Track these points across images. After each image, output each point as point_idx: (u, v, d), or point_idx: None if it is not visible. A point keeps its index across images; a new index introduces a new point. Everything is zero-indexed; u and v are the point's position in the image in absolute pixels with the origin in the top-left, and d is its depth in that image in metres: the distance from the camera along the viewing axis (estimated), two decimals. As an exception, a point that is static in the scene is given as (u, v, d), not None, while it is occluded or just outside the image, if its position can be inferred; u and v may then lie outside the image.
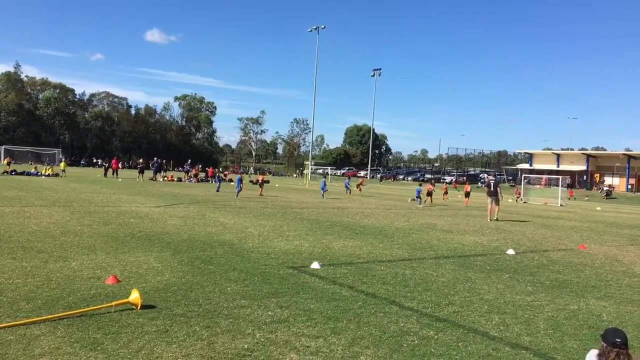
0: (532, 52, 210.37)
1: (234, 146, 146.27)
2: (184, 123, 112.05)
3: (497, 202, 22.78)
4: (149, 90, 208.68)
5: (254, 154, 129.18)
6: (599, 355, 4.07)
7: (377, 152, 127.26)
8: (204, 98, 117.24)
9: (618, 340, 3.98)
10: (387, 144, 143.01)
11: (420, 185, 34.01)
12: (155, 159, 49.48)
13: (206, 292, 7.34)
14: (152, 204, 20.74)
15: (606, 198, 58.59)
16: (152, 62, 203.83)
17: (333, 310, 6.76)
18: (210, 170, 53.14)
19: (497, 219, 22.21)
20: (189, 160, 54.87)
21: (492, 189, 22.94)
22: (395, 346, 5.59)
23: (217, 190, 32.01)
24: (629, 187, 71.04)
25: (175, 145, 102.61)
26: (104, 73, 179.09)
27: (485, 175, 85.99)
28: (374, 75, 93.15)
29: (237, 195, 27.82)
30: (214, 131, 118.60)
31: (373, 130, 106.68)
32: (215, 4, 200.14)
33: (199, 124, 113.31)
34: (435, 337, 5.97)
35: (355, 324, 6.27)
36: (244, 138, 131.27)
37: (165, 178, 46.01)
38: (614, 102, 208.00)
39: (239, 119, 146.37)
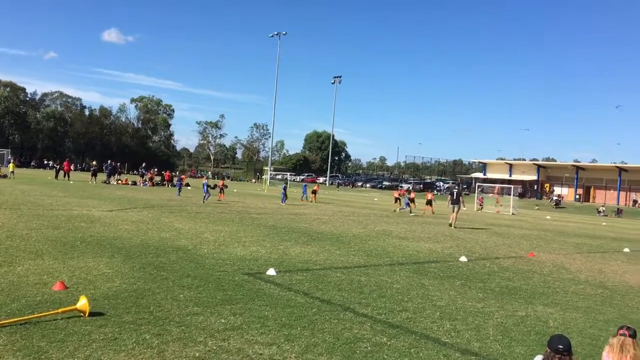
0: (487, 63, 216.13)
1: (192, 150, 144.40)
2: (140, 125, 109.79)
3: (458, 210, 23.88)
4: (104, 91, 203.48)
5: (212, 158, 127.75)
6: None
7: (336, 158, 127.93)
8: (161, 100, 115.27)
9: (560, 347, 4.11)
10: (346, 151, 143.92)
11: (410, 193, 35.01)
12: (109, 161, 48.27)
13: (158, 299, 7.19)
14: (105, 207, 20.21)
15: (555, 207, 60.66)
16: (108, 62, 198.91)
17: (287, 317, 6.73)
18: (167, 174, 52.24)
19: (454, 227, 23.03)
20: (144, 164, 53.66)
21: (454, 198, 24.08)
22: (348, 353, 5.61)
23: (178, 195, 31.44)
24: (577, 197, 73.75)
25: (131, 147, 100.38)
26: (58, 72, 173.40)
27: (441, 184, 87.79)
28: (334, 83, 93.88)
29: (204, 201, 27.22)
30: (171, 134, 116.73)
31: (333, 136, 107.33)
32: (175, 6, 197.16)
33: (155, 126, 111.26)
34: (388, 343, 6.03)
35: (309, 330, 6.27)
36: (202, 142, 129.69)
37: (119, 181, 44.93)
38: (563, 114, 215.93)
39: (197, 122, 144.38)
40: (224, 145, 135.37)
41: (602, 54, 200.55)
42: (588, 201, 72.44)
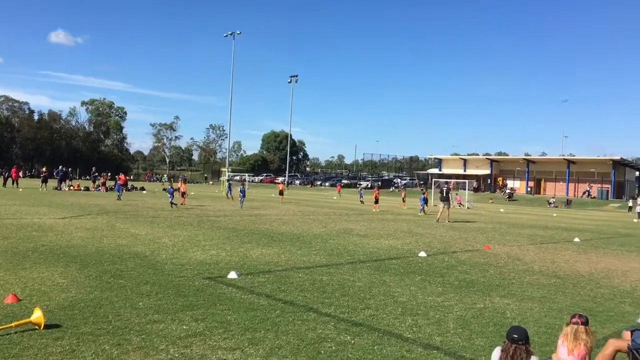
0: (439, 62, 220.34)
1: (146, 153, 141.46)
2: (91, 129, 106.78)
3: (449, 207, 25.71)
4: (52, 94, 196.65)
5: (167, 160, 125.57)
6: (502, 350, 4.32)
7: (294, 158, 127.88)
8: (113, 103, 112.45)
9: (515, 336, 4.26)
10: (304, 150, 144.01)
11: (424, 193, 34.23)
12: (60, 167, 46.75)
13: (116, 307, 7.02)
14: (57, 215, 19.57)
15: (508, 200, 62.40)
16: (56, 64, 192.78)
17: (251, 321, 6.69)
18: (122, 177, 51.02)
19: (448, 221, 24.72)
20: (94, 168, 52.08)
21: (444, 195, 26.01)
22: (313, 353, 5.62)
23: (119, 199, 30.67)
24: (529, 189, 76.07)
25: (82, 152, 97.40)
26: (3, 76, 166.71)
27: (399, 180, 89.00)
28: (290, 82, 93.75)
29: (172, 206, 26.13)
30: (124, 137, 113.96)
31: (290, 136, 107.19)
32: (125, 5, 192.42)
33: (108, 129, 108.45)
34: (352, 341, 6.07)
35: (273, 333, 6.25)
36: (157, 144, 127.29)
37: (71, 187, 43.57)
38: (514, 110, 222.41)
39: (151, 124, 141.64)
40: (180, 147, 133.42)
41: (548, 51, 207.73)
42: (539, 193, 74.85)
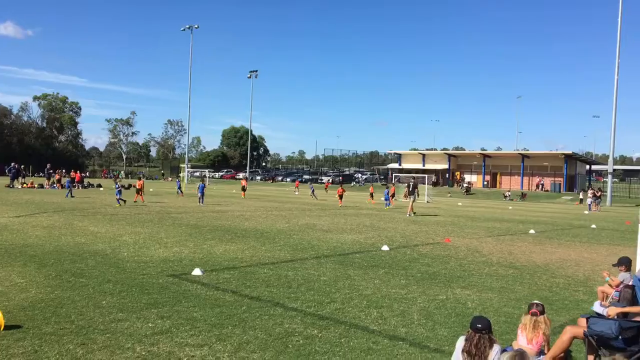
0: (398, 58, 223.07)
1: (102, 149, 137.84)
2: (44, 125, 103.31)
3: (414, 200, 27.02)
4: (1, 88, 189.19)
5: (124, 157, 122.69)
6: (466, 339, 4.47)
7: (255, 153, 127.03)
8: (67, 98, 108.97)
9: (479, 326, 4.42)
10: (265, 146, 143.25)
11: (387, 187, 36.52)
12: (12, 164, 45.07)
13: (79, 307, 6.88)
14: (11, 213, 18.92)
15: (466, 194, 63.77)
16: (4, 58, 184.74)
17: (217, 317, 6.68)
18: (77, 175, 49.63)
19: (414, 214, 26.16)
20: (48, 165, 50.45)
21: (410, 189, 27.37)
22: (281, 348, 5.66)
23: (68, 196, 29.73)
24: (485, 183, 77.89)
25: (35, 148, 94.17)
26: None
27: (360, 175, 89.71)
28: (250, 77, 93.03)
29: (119, 202, 25.41)
30: (78, 133, 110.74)
31: (251, 131, 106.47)
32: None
33: (61, 125, 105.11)
34: (319, 335, 6.14)
35: (240, 329, 6.26)
36: (113, 140, 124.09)
37: (24, 185, 42.15)
38: (470, 106, 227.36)
39: (107, 120, 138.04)
40: (137, 143, 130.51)
41: (503, 50, 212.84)
42: (495, 187, 76.72)
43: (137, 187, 29.41)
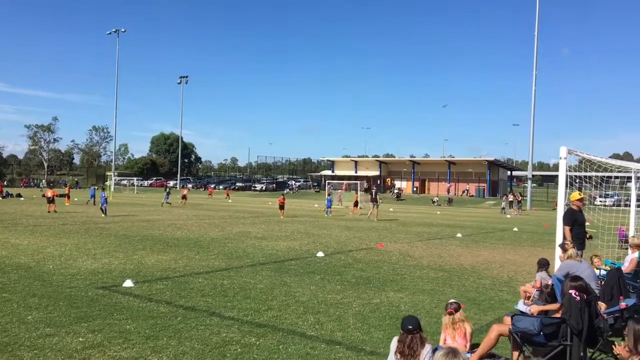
0: (331, 65, 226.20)
1: (21, 157, 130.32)
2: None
3: (377, 207, 28.47)
4: None
5: (45, 165, 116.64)
6: (399, 340, 4.62)
7: (186, 161, 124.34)
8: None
9: (410, 326, 4.59)
10: (196, 153, 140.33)
11: (330, 195, 36.07)
12: None
13: (2, 323, 6.52)
14: None
15: (397, 200, 65.41)
16: None
17: (151, 329, 6.53)
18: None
19: (376, 220, 27.33)
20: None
21: (373, 197, 28.91)
22: (218, 357, 5.63)
23: None
24: (415, 189, 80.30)
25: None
26: None
27: (293, 182, 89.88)
28: (180, 83, 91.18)
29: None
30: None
31: (181, 138, 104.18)
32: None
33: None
34: (257, 343, 6.15)
35: (176, 340, 6.15)
36: (33, 147, 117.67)
37: None
38: (399, 114, 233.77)
39: (26, 126, 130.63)
40: (59, 151, 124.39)
41: (429, 59, 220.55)
42: (424, 192, 79.17)
43: (48, 195, 27.89)
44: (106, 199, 26.94)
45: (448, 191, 75.14)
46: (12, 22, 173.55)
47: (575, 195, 9.67)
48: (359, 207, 35.34)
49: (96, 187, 39.10)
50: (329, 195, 35.31)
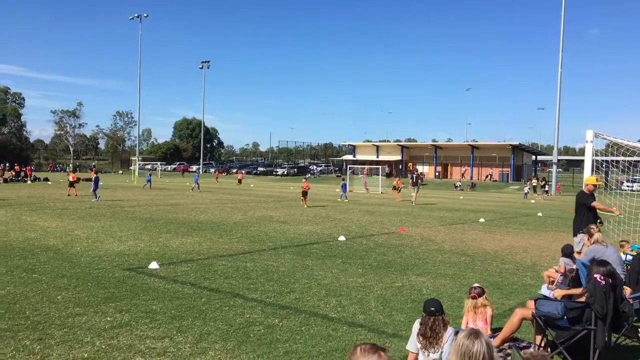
0: (350, 50, 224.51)
1: (47, 142, 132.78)
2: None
3: (417, 191, 30.09)
4: None
5: (71, 150, 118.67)
6: (421, 323, 4.65)
7: (208, 146, 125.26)
8: (9, 88, 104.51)
9: (432, 308, 4.61)
10: (218, 138, 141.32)
11: (344, 180, 36.11)
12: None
13: (33, 302, 6.73)
14: (-48, 209, 18.11)
15: (412, 185, 65.07)
16: None
17: (177, 309, 6.67)
18: (28, 168, 47.86)
19: (414, 203, 28.91)
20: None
21: (414, 181, 30.77)
22: (242, 337, 5.73)
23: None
24: (437, 174, 79.74)
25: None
26: None
27: (314, 167, 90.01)
28: (202, 68, 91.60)
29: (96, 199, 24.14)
30: (22, 125, 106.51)
31: (203, 123, 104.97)
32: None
33: (4, 117, 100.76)
34: (280, 324, 6.24)
35: (201, 320, 6.27)
36: (59, 132, 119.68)
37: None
38: (421, 97, 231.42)
39: (52, 111, 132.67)
40: (84, 136, 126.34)
41: (453, 42, 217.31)
42: (446, 177, 78.60)
43: (70, 179, 28.31)
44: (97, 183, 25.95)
45: (462, 175, 74.48)
46: (33, 7, 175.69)
47: (592, 179, 9.51)
48: (400, 192, 34.15)
49: (151, 173, 41.95)
50: (343, 180, 35.17)
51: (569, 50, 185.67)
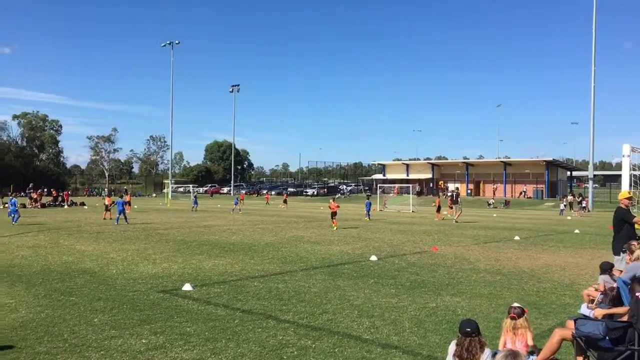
0: (380, 69, 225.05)
1: (83, 167, 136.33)
2: (25, 144, 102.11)
3: (459, 209, 30.39)
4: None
5: (107, 174, 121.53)
6: (457, 344, 4.56)
7: (239, 167, 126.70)
8: (47, 116, 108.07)
9: (469, 329, 4.51)
10: (249, 159, 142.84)
11: (368, 198, 35.60)
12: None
13: (70, 325, 6.86)
14: (-6, 234, 18.68)
15: (451, 203, 64.33)
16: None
17: (210, 331, 6.70)
18: (66, 193, 49.16)
19: (456, 221, 29.08)
20: (31, 184, 49.97)
21: (454, 199, 31.07)
22: (275, 359, 5.71)
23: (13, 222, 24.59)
24: (469, 191, 78.67)
25: (16, 168, 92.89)
26: None
27: (344, 187, 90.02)
28: (232, 91, 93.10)
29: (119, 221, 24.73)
30: (60, 151, 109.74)
31: (234, 145, 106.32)
32: (51, 13, 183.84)
33: (42, 144, 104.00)
34: (313, 345, 6.20)
35: (234, 342, 6.29)
36: (94, 158, 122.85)
37: (6, 205, 41.53)
38: (451, 115, 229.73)
39: (88, 137, 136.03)
40: (119, 160, 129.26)
41: (483, 59, 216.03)
42: (479, 195, 77.43)
43: (106, 203, 28.95)
44: (124, 205, 25.86)
45: (494, 193, 73.28)
46: (69, 37, 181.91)
47: (625, 193, 9.35)
48: (440, 211, 33.59)
49: (196, 195, 43.67)
50: (367, 198, 35.01)
51: (603, 64, 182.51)
